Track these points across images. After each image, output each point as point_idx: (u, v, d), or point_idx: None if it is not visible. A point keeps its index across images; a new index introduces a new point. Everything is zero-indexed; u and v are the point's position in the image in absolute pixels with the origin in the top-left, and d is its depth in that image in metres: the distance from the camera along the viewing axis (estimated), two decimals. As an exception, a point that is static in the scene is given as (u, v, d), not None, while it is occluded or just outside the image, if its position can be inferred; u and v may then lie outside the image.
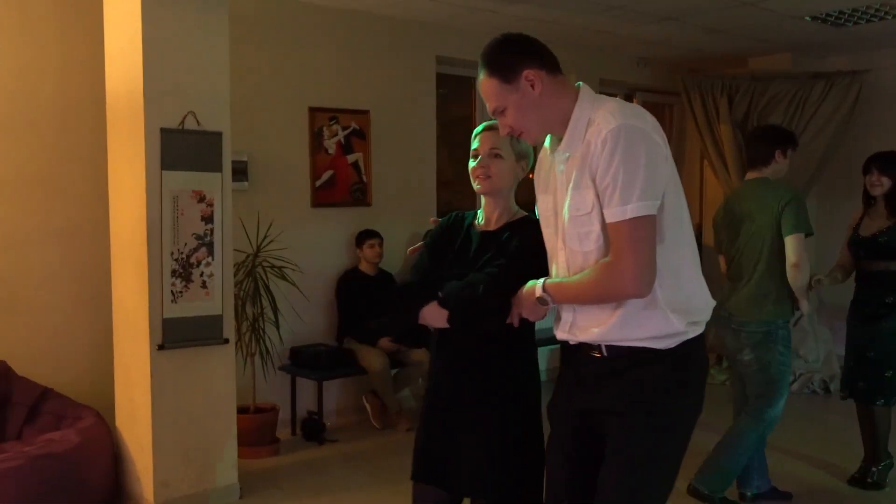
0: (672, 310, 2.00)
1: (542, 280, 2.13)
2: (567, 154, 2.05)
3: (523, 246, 2.30)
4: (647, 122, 1.98)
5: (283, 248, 5.02)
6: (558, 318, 2.19)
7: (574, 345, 2.15)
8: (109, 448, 4.08)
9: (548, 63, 2.08)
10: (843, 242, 4.40)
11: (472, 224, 2.49)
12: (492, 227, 2.44)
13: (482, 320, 2.26)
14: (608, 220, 1.93)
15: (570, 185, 2.03)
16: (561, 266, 2.13)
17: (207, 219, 4.07)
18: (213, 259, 4.10)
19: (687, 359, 2.06)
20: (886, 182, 4.22)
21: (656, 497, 2.10)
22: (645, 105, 7.93)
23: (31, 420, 4.19)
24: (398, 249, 5.93)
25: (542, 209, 2.22)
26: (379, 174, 5.84)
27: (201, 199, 4.05)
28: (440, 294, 2.31)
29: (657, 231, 1.95)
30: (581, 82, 2.14)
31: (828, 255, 5.28)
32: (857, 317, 4.33)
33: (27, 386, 4.26)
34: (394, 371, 5.45)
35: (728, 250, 4.00)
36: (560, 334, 2.17)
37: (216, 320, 4.11)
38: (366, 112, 5.75)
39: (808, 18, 5.97)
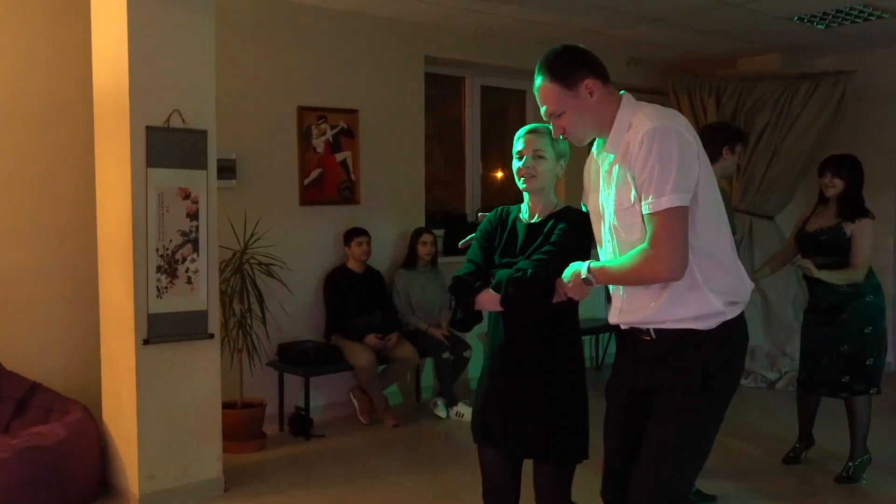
0: (711, 290, 2.22)
1: (587, 262, 2.36)
2: (611, 155, 2.31)
3: (566, 230, 2.58)
4: (680, 123, 2.23)
5: (270, 245, 5.07)
6: (609, 304, 2.46)
7: (626, 329, 2.40)
8: (96, 441, 4.14)
9: (602, 74, 2.34)
10: (791, 234, 4.57)
11: (517, 218, 2.74)
12: (536, 220, 2.69)
13: (532, 301, 2.49)
14: (645, 211, 2.17)
15: (614, 182, 2.28)
16: (608, 255, 2.40)
17: (193, 216, 4.13)
18: (198, 255, 4.15)
19: (729, 339, 2.28)
20: (839, 184, 4.35)
21: (693, 464, 2.34)
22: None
23: (20, 414, 4.25)
24: (386, 247, 5.99)
25: (591, 206, 2.49)
26: (367, 173, 5.90)
27: (186, 197, 4.11)
28: (492, 281, 2.59)
29: (691, 220, 2.18)
30: (624, 91, 2.38)
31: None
32: (816, 314, 4.44)
33: (16, 380, 4.31)
34: (381, 367, 5.50)
35: None
36: (612, 319, 2.41)
37: (201, 316, 4.17)
38: (354, 111, 5.80)
39: (795, 19, 6.02)
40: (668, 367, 2.31)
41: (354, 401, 5.59)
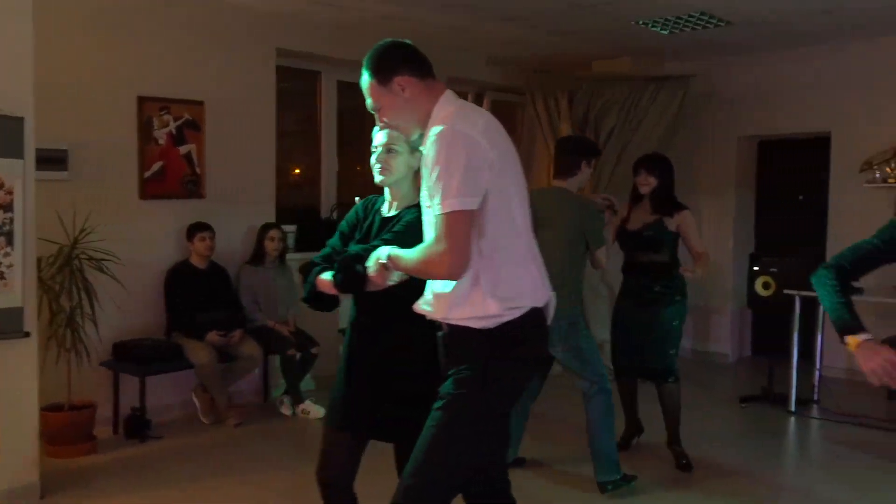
0: (493, 295, 2.24)
1: (388, 249, 2.37)
2: (424, 151, 2.32)
3: (409, 221, 2.59)
4: (476, 127, 2.22)
5: (104, 239, 4.87)
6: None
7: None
8: None
9: (418, 70, 2.35)
10: (611, 235, 4.70)
11: (378, 210, 2.79)
12: (391, 212, 2.73)
13: (359, 285, 2.47)
14: (432, 212, 2.18)
15: (423, 179, 2.30)
16: None
17: (6, 207, 3.90)
18: (12, 249, 3.93)
19: (504, 337, 2.28)
20: (653, 181, 4.59)
21: (452, 461, 2.32)
22: (496, 105, 8.16)
23: None
24: (233, 243, 5.85)
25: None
26: (214, 167, 5.74)
27: (0, 187, 3.89)
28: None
29: (481, 224, 2.21)
30: (448, 89, 2.39)
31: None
32: (632, 302, 4.63)
33: None
34: (224, 365, 5.37)
35: None
36: (416, 307, 2.44)
37: (16, 313, 3.95)
38: (200, 103, 5.64)
39: (639, 23, 6.23)
40: (453, 359, 2.37)
41: (196, 400, 5.44)
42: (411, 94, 2.33)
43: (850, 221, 6.70)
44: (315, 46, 6.34)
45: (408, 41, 2.43)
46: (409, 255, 2.30)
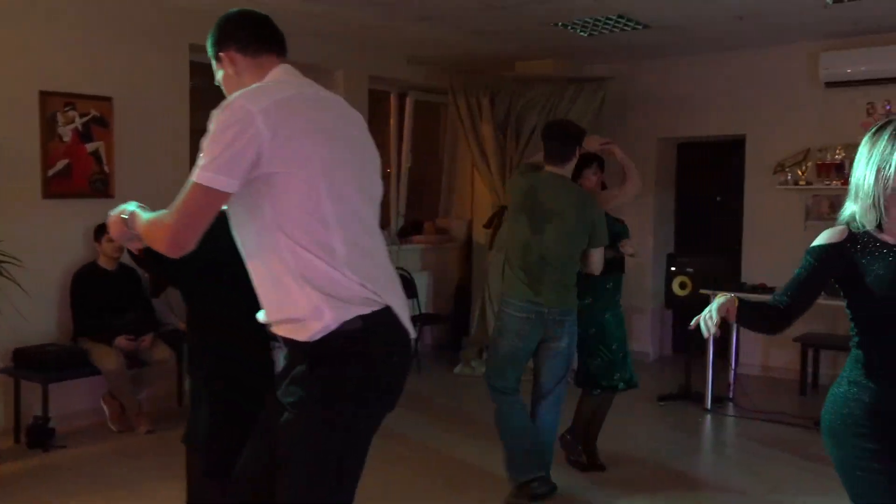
0: (311, 288, 2.02)
1: (134, 205, 2.23)
2: None
3: None
4: (264, 106, 1.98)
5: (2, 240, 4.64)
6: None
7: None
8: None
9: (246, 44, 2.22)
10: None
11: None
12: None
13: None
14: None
15: None
16: None
17: None
18: None
19: (326, 352, 2.02)
20: (600, 175, 4.55)
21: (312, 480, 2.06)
22: (419, 105, 8.11)
23: None
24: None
25: None
26: (124, 165, 5.54)
27: None
28: None
29: (275, 209, 1.99)
30: (285, 64, 2.24)
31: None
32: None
33: None
34: (133, 371, 5.19)
35: (529, 240, 4.04)
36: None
37: None
38: (108, 99, 5.44)
39: (558, 25, 6.25)
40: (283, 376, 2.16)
41: (105, 407, 5.24)
42: (238, 69, 2.22)
43: (763, 222, 6.88)
44: (231, 43, 6.17)
45: (252, 11, 2.29)
46: (149, 215, 2.12)
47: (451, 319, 8.02)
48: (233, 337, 2.70)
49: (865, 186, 2.22)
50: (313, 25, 6.37)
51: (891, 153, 2.17)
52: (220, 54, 2.23)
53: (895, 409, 2.18)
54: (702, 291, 5.92)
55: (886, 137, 2.20)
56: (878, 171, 2.19)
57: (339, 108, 2.22)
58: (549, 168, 4.13)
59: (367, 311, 2.03)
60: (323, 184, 2.02)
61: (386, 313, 2.08)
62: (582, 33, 6.48)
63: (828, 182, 6.66)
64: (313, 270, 2.01)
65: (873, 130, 2.26)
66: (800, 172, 6.81)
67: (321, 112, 2.13)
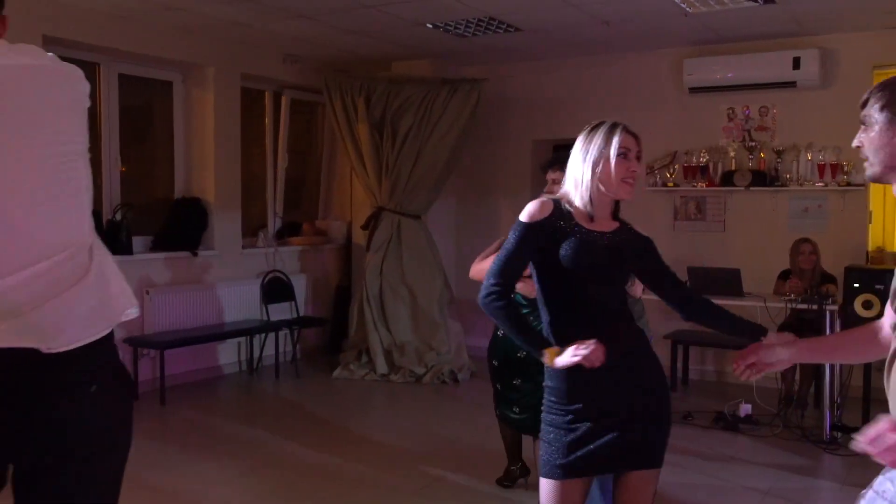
0: None
1: None
2: None
3: None
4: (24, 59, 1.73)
5: None
6: None
7: None
8: None
9: None
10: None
11: None
12: None
13: None
14: None
15: None
16: None
17: None
18: None
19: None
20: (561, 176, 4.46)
21: None
22: (295, 104, 7.98)
23: None
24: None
25: None
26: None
27: None
28: None
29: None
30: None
31: (470, 252, 4.95)
32: None
33: None
34: None
35: None
36: None
37: None
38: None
39: (429, 26, 6.25)
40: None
41: None
42: None
43: (634, 222, 6.98)
44: (89, 36, 5.91)
45: None
46: None
47: (332, 322, 7.92)
48: None
49: (581, 178, 2.43)
50: (178, 20, 6.17)
51: (603, 149, 2.40)
52: None
53: None
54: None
55: (601, 135, 2.42)
56: (592, 166, 2.41)
57: None
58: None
59: None
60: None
61: None
62: (456, 33, 6.50)
63: (694, 183, 6.92)
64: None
65: (588, 129, 2.47)
66: (668, 174, 7.04)
67: None
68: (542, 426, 2.46)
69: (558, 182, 4.00)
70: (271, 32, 6.54)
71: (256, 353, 7.14)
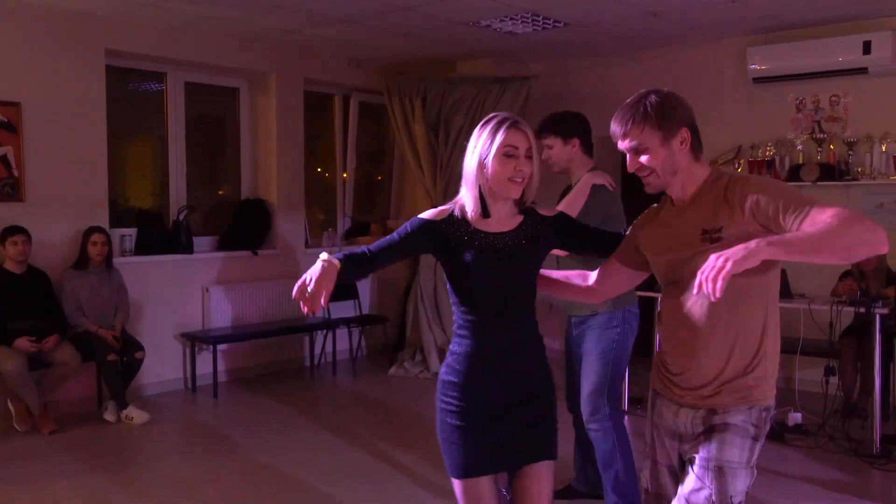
0: None
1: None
2: None
3: None
4: None
5: None
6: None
7: None
8: None
9: None
10: None
11: None
12: None
13: None
14: None
15: None
16: None
17: None
18: None
19: None
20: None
21: None
22: (362, 105, 8.12)
23: None
24: (57, 247, 5.74)
25: None
26: (35, 170, 5.63)
27: None
28: None
29: None
30: None
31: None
32: None
33: None
34: (39, 372, 5.27)
35: None
36: None
37: None
38: (16, 104, 5.53)
39: (476, 24, 6.21)
40: None
41: (11, 407, 5.33)
42: None
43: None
44: (152, 48, 6.25)
45: None
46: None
47: (400, 321, 8.00)
48: None
49: (471, 176, 2.32)
50: (232, 30, 6.41)
51: (489, 146, 2.28)
52: None
53: None
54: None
55: (488, 131, 2.31)
56: (478, 165, 2.30)
57: None
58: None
59: None
60: None
61: None
62: (504, 31, 6.43)
63: (761, 179, 6.55)
64: None
65: (480, 124, 2.35)
66: (735, 170, 6.71)
67: None
68: (438, 425, 2.43)
69: (551, 147, 3.97)
70: (327, 38, 6.69)
71: (318, 350, 7.33)
